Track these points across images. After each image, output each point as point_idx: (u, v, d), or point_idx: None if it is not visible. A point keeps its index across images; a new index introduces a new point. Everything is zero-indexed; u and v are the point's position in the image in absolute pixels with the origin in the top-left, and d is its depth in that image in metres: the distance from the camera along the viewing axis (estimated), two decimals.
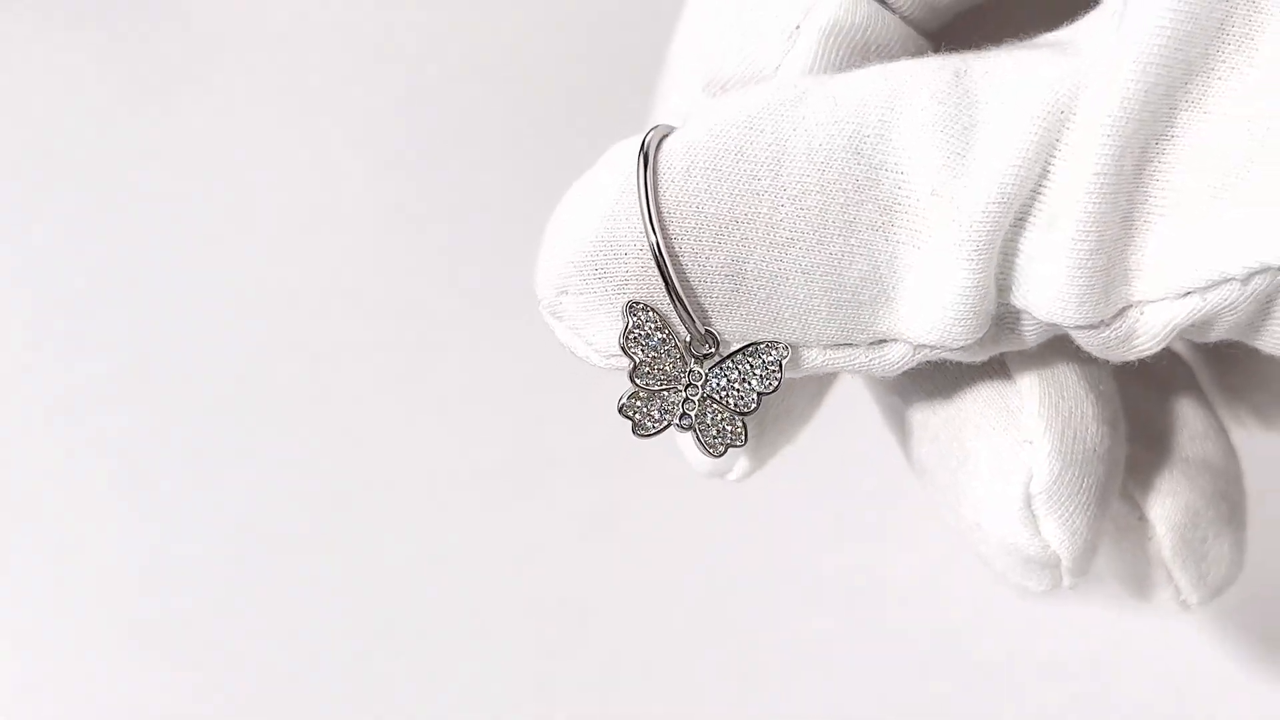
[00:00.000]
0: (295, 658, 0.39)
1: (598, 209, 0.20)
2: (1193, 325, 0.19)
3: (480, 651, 0.39)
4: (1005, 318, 0.20)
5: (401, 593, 0.40)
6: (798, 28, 0.21)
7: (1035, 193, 0.19)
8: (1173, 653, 0.37)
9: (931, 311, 0.20)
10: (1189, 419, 0.25)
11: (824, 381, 0.25)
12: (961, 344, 0.20)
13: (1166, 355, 0.26)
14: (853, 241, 0.19)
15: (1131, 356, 0.20)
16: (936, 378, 0.23)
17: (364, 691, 0.38)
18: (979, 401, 0.23)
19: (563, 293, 0.20)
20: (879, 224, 0.19)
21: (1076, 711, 0.37)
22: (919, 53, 0.22)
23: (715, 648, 0.38)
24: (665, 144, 0.20)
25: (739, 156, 0.19)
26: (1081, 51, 0.19)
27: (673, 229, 0.19)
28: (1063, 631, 0.38)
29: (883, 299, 0.20)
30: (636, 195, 0.19)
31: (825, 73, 0.21)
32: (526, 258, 0.27)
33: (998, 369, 0.23)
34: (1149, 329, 0.19)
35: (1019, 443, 0.22)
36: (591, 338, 0.21)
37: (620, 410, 0.21)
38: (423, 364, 0.43)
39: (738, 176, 0.19)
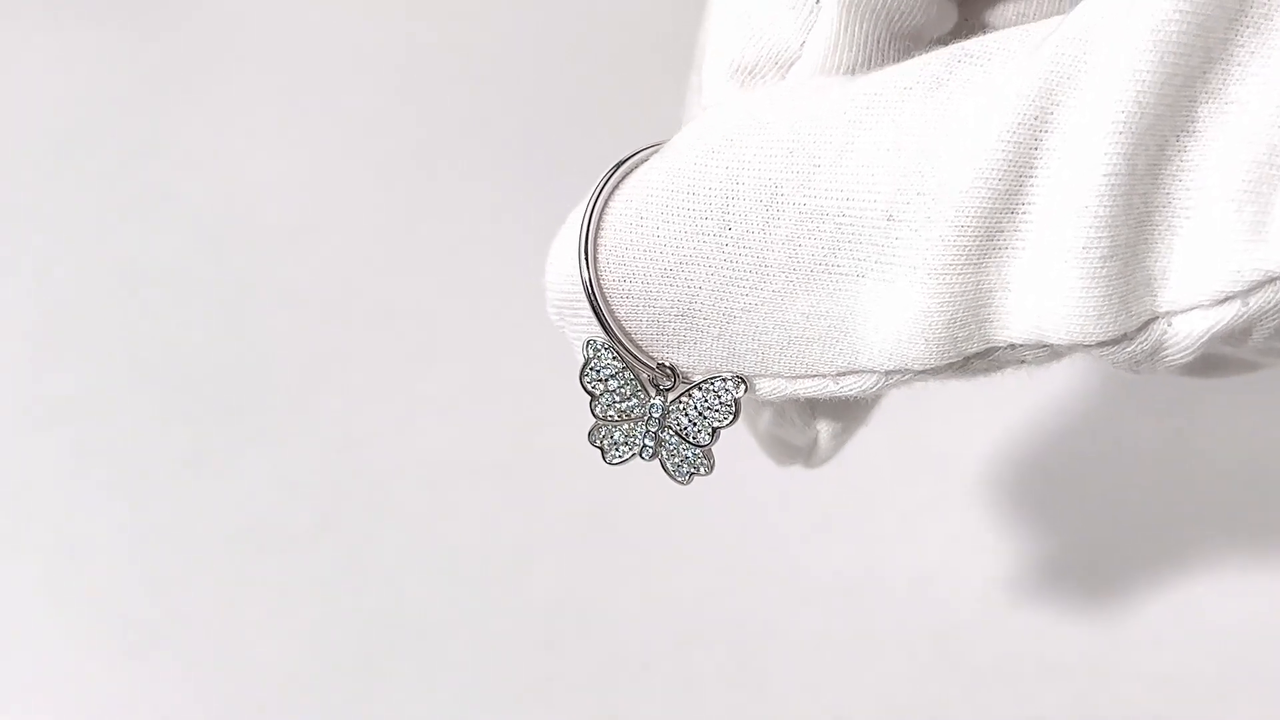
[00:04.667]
0: (295, 657, 0.38)
1: (568, 251, 0.20)
2: (1230, 333, 0.18)
3: (480, 651, 0.39)
4: (997, 356, 0.19)
5: (401, 592, 0.39)
6: (818, 1, 0.20)
7: (1011, 212, 0.18)
8: (1170, 653, 0.37)
9: (887, 336, 0.19)
10: None
11: None
12: (921, 367, 0.19)
13: None
14: (793, 279, 0.19)
15: (1161, 370, 0.19)
16: None
17: (364, 691, 0.38)
18: None
19: (559, 317, 0.21)
20: (822, 259, 0.19)
21: (1076, 711, 0.37)
22: (943, 18, 0.21)
23: (714, 647, 0.38)
24: (624, 185, 0.20)
25: (690, 195, 0.19)
26: (1089, 37, 0.17)
27: (622, 272, 0.20)
28: (1062, 631, 0.38)
29: (836, 333, 0.20)
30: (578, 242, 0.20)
31: (848, 47, 0.20)
32: (526, 258, 0.27)
33: None
34: (1180, 340, 0.18)
35: None
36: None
37: (589, 440, 0.22)
38: (423, 364, 0.43)
39: (688, 217, 0.20)
